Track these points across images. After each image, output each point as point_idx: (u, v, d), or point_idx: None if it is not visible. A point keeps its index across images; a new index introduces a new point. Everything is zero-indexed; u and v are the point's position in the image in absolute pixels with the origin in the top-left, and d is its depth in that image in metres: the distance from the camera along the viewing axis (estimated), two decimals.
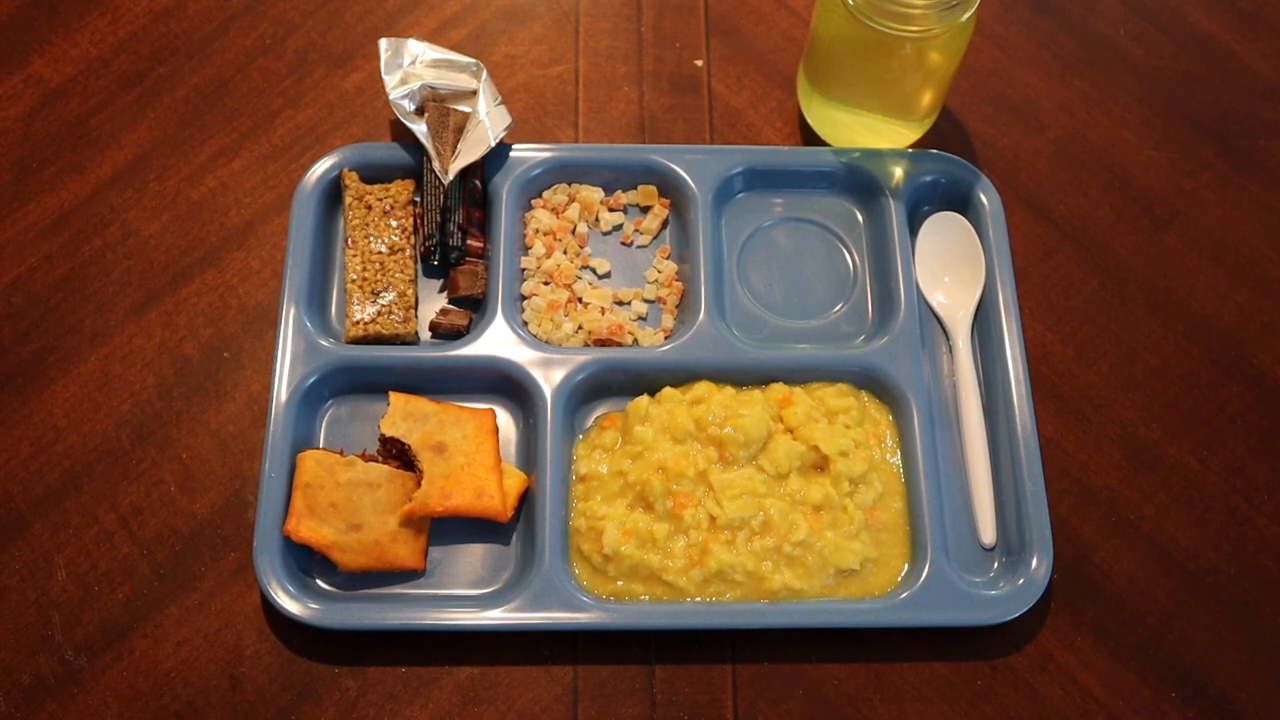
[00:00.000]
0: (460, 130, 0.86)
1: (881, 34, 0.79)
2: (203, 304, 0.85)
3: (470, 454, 0.77)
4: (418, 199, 0.87)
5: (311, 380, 0.79)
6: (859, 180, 0.89)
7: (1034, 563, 0.76)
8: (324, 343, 0.81)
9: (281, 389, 0.79)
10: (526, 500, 0.78)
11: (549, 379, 0.80)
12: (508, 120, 0.87)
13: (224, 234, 0.87)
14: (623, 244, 0.88)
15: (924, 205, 0.89)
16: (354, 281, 0.83)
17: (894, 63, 0.81)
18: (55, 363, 0.83)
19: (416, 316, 0.83)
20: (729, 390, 0.81)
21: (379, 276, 0.83)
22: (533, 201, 0.89)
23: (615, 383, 0.82)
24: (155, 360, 0.83)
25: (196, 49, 0.94)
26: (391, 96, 0.87)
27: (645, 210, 0.89)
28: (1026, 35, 0.97)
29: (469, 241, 0.84)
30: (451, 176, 0.84)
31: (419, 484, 0.76)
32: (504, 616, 0.73)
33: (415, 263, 0.85)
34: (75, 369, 0.83)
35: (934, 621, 0.75)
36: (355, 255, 0.84)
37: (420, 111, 0.87)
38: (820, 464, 0.78)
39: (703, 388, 0.81)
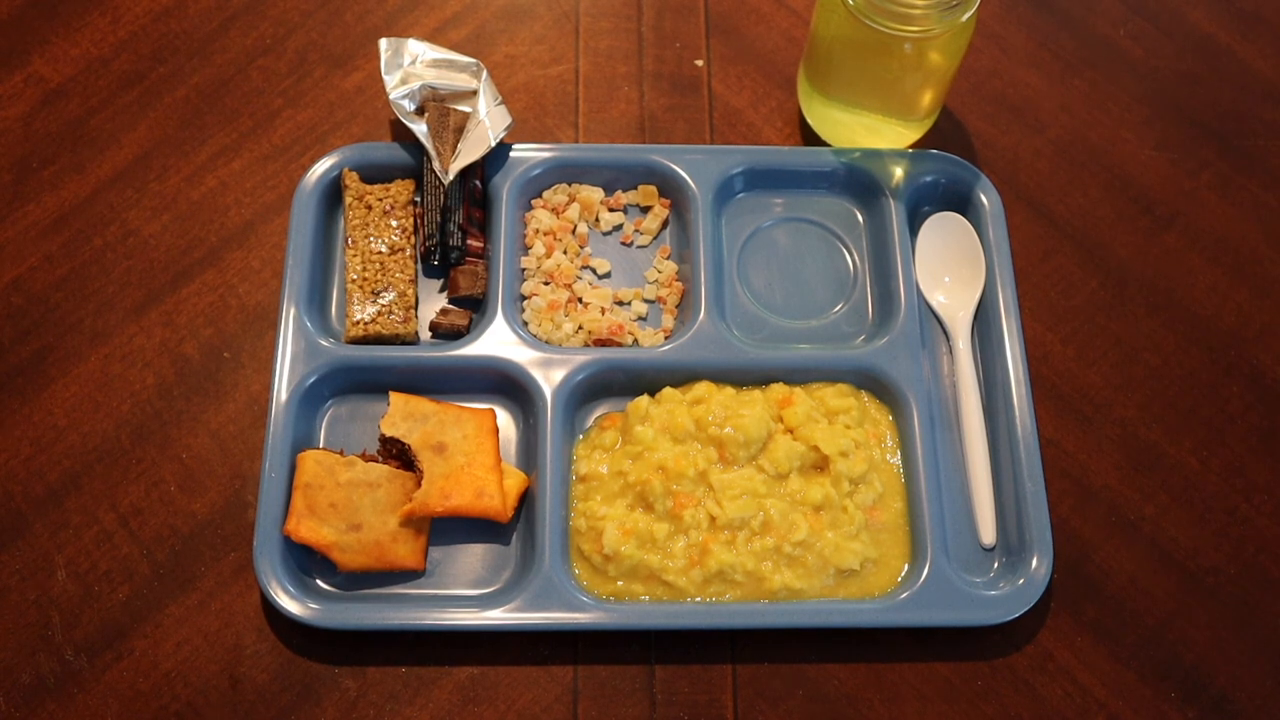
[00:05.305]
0: (460, 130, 0.86)
1: (881, 34, 0.79)
2: (203, 304, 0.85)
3: (470, 454, 0.77)
4: (418, 199, 0.87)
5: (311, 380, 0.79)
6: (859, 180, 0.89)
7: (1034, 563, 0.76)
8: (324, 343, 0.81)
9: (281, 389, 0.79)
10: (526, 500, 0.78)
11: (549, 379, 0.80)
12: (508, 120, 0.87)
13: (224, 234, 0.87)
14: (623, 244, 0.88)
15: (924, 205, 0.89)
16: (354, 281, 0.83)
17: (894, 63, 0.81)
18: (55, 363, 0.83)
19: (416, 316, 0.83)
20: (729, 390, 0.81)
21: (379, 276, 0.83)
22: (533, 201, 0.89)
23: (615, 383, 0.82)
24: (155, 360, 0.83)
25: (196, 49, 0.94)
26: (391, 96, 0.87)
27: (645, 210, 0.89)
28: (1026, 35, 0.97)
29: (469, 241, 0.84)
30: (451, 176, 0.84)
31: (419, 484, 0.76)
32: (504, 616, 0.73)
33: (415, 263, 0.85)
34: (75, 369, 0.83)
35: (934, 621, 0.75)
36: (355, 255, 0.84)
37: (420, 111, 0.87)
38: (820, 464, 0.78)
39: (703, 388, 0.81)
